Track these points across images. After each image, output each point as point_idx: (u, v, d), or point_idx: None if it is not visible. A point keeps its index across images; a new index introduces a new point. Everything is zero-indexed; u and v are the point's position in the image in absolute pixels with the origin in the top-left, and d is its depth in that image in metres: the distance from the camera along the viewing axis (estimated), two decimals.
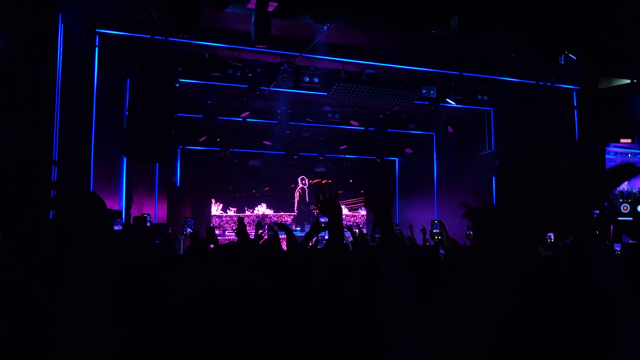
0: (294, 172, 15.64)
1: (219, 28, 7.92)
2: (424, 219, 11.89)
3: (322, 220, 4.64)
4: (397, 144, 14.19)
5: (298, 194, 15.81)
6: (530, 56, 8.24)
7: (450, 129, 12.23)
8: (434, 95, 9.99)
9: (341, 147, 14.35)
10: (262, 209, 15.44)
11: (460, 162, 12.89)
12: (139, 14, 7.44)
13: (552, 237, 6.07)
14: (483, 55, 8.77)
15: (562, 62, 8.43)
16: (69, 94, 6.73)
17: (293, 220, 15.39)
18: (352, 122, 11.56)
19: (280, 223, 3.96)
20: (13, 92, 5.78)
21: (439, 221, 5.27)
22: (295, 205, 15.74)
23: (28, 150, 5.87)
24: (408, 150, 14.19)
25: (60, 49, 6.55)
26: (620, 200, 4.23)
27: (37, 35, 6.17)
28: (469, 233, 5.75)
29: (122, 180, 9.18)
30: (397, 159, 16.29)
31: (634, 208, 4.21)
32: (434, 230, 5.21)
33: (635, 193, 4.46)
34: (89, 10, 7.39)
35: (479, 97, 10.28)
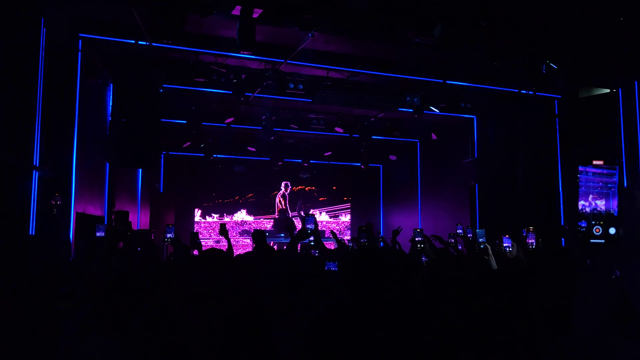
0: (278, 178, 15.61)
1: (203, 34, 7.92)
2: (408, 226, 11.94)
3: (308, 226, 4.64)
4: (381, 150, 14.25)
5: (279, 200, 15.74)
6: (513, 65, 8.35)
7: (433, 136, 12.33)
8: (418, 103, 10.06)
9: (326, 154, 14.38)
10: (242, 215, 15.32)
11: (443, 169, 13.00)
12: (123, 19, 7.40)
13: (534, 244, 6.13)
14: (466, 63, 8.87)
15: (544, 71, 8.56)
16: (51, 98, 6.66)
17: (273, 226, 15.30)
18: (336, 128, 11.60)
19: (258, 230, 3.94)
20: None
21: (421, 230, 5.31)
22: (277, 211, 15.67)
23: (9, 155, 5.81)
24: (392, 157, 14.27)
25: (42, 53, 6.49)
26: (593, 222, 4.27)
27: (18, 40, 6.11)
28: (451, 241, 5.80)
29: (105, 186, 9.09)
30: (381, 165, 16.37)
31: (605, 230, 4.25)
32: (416, 239, 5.24)
33: (611, 214, 4.48)
34: (72, 14, 7.34)
35: (462, 105, 10.37)
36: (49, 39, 6.59)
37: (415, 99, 10.01)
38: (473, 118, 11.55)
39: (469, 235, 6.19)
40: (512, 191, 10.47)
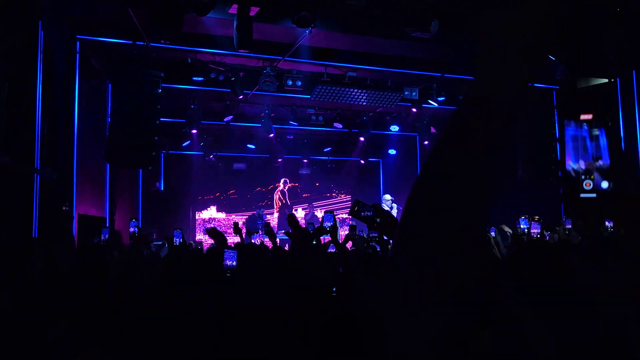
0: (278, 175, 15.52)
1: (201, 33, 7.91)
2: None
3: (326, 224, 4.63)
4: (380, 145, 14.25)
5: (278, 196, 15.60)
6: None
7: (433, 130, 12.32)
8: (417, 97, 10.07)
9: (325, 149, 14.36)
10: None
11: None
12: (120, 20, 7.40)
13: (538, 233, 6.13)
14: (464, 56, 8.86)
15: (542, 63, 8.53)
16: (50, 101, 6.67)
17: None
18: (335, 124, 11.59)
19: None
20: None
21: None
22: (276, 208, 15.48)
23: (9, 159, 5.82)
24: (392, 151, 14.25)
25: (40, 55, 6.49)
26: (582, 177, 3.95)
27: (16, 43, 6.11)
28: None
29: (106, 187, 9.11)
30: (381, 160, 16.33)
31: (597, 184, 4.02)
32: None
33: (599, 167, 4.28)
34: (69, 16, 7.34)
35: (461, 97, 10.33)
36: (46, 41, 6.58)
37: (414, 93, 10.01)
38: None
39: None
40: (513, 182, 10.49)
